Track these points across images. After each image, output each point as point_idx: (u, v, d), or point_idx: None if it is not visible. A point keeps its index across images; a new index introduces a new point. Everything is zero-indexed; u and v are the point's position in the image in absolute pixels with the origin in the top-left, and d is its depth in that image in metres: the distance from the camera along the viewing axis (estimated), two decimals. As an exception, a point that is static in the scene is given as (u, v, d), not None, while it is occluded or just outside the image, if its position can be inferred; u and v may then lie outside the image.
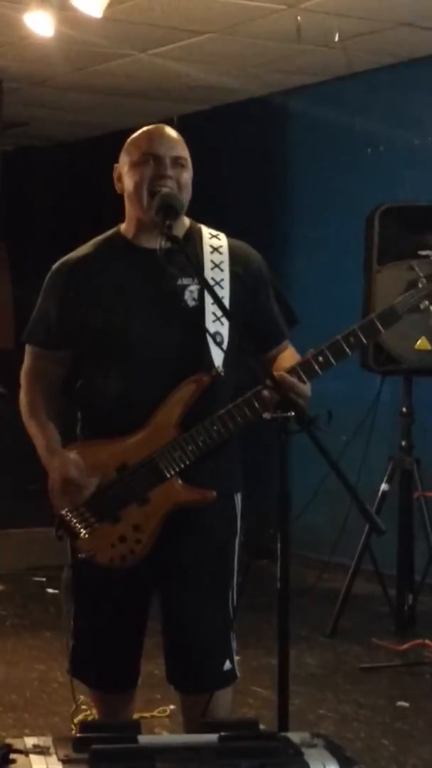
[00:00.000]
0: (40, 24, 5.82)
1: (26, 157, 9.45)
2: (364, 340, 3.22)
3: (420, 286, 3.25)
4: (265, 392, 3.14)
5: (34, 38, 6.06)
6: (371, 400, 6.07)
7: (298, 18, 6.05)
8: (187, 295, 3.28)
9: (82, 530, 3.30)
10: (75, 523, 3.31)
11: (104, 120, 8.51)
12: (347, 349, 3.19)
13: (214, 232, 3.40)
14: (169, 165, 3.28)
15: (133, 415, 3.26)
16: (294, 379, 3.16)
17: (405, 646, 5.74)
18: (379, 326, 3.22)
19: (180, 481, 3.24)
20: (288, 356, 3.37)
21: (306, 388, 3.18)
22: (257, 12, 6.06)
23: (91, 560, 3.30)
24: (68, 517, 3.32)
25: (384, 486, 5.91)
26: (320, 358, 3.19)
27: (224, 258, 3.34)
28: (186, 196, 3.32)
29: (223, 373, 3.24)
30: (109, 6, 5.57)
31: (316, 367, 3.19)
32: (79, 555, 3.31)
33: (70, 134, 9.35)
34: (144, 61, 6.99)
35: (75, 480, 3.27)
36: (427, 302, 3.24)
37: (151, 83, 7.59)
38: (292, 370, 3.19)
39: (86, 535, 3.30)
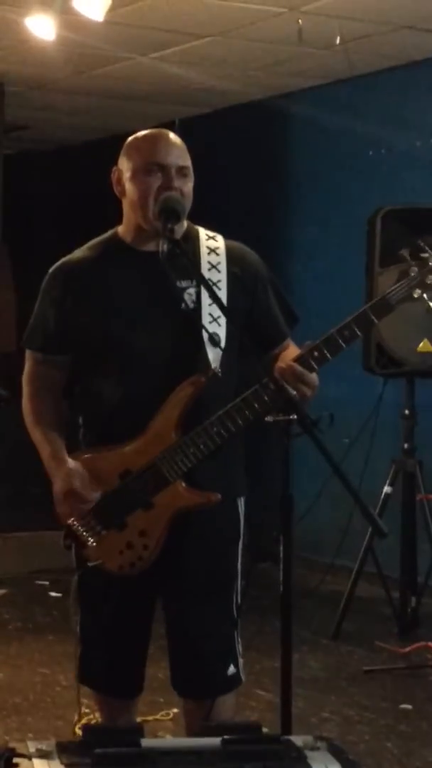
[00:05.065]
0: (42, 27, 5.82)
1: (27, 160, 9.46)
2: (358, 332, 3.17)
3: (412, 274, 3.19)
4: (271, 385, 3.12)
5: (35, 41, 6.06)
6: (374, 403, 6.07)
7: (299, 21, 6.05)
8: (185, 298, 3.26)
9: (89, 539, 3.30)
10: (82, 531, 3.30)
11: (105, 123, 8.52)
12: (342, 343, 3.16)
13: (211, 234, 3.39)
14: (174, 176, 3.26)
15: (133, 421, 3.25)
16: (301, 369, 3.14)
17: (408, 649, 5.73)
18: (373, 317, 3.18)
19: (184, 485, 3.23)
20: (290, 353, 3.33)
21: (314, 377, 3.16)
22: (258, 15, 6.06)
23: (101, 568, 3.29)
24: (75, 526, 3.31)
25: (387, 488, 5.90)
26: (316, 353, 3.17)
27: (221, 259, 3.33)
28: (188, 204, 3.31)
29: (220, 374, 3.22)
30: (111, 10, 5.57)
31: (312, 363, 3.16)
32: (89, 563, 3.30)
33: (71, 138, 9.35)
34: (145, 65, 6.99)
35: (78, 492, 3.27)
36: (419, 290, 3.19)
37: (152, 86, 7.59)
38: (298, 360, 3.16)
39: (94, 544, 3.29)
